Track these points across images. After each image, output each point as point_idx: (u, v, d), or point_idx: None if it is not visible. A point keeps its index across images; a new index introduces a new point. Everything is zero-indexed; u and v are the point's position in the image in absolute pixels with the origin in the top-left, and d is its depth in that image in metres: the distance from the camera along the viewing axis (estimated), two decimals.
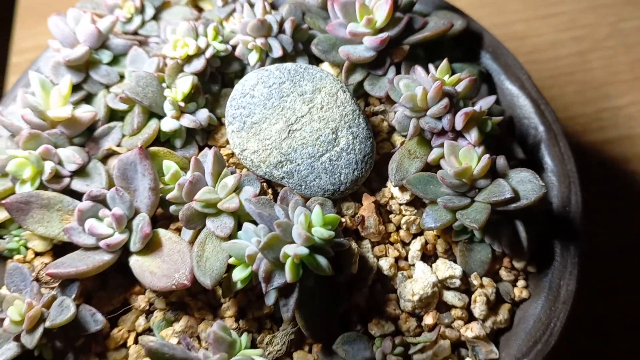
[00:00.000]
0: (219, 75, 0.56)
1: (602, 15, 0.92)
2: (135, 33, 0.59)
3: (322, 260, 0.44)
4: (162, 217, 0.52)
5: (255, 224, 0.46)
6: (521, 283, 0.51)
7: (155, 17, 0.59)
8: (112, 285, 0.50)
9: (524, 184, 0.48)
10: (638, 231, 0.77)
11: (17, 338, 0.46)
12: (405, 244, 0.52)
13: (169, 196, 0.48)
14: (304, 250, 0.42)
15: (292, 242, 0.43)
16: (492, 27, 0.88)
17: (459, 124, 0.50)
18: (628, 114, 0.85)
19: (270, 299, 0.45)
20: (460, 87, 0.51)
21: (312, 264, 0.44)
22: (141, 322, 0.49)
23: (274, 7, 0.60)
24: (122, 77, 0.56)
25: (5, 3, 1.05)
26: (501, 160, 0.50)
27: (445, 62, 0.52)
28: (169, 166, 0.49)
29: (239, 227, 0.48)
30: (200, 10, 0.61)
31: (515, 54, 0.82)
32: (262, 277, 0.43)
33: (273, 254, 0.43)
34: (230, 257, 0.46)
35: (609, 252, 0.74)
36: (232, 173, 0.49)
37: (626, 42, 0.90)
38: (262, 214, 0.45)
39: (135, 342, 0.49)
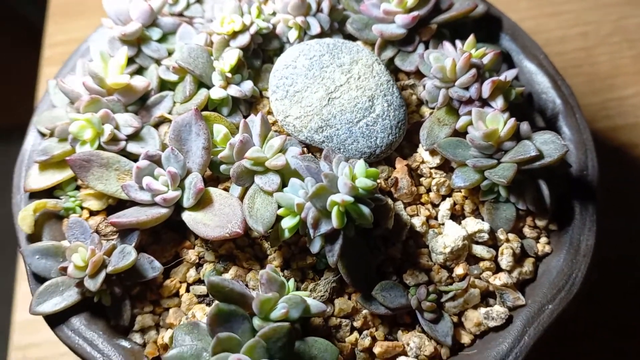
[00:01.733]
0: (260, 52, 0.60)
1: (605, 14, 0.98)
2: (180, 14, 0.63)
3: (365, 209, 0.48)
4: (210, 178, 0.56)
5: (301, 181, 0.50)
6: (544, 239, 0.55)
7: (199, 1, 0.64)
8: (164, 240, 0.54)
9: (547, 144, 0.52)
10: None
11: (79, 284, 0.50)
12: (435, 205, 0.56)
13: (220, 155, 0.52)
14: (350, 198, 0.46)
15: (338, 192, 0.47)
16: None
17: (485, 92, 0.54)
18: (633, 103, 0.89)
19: (315, 247, 0.49)
20: (486, 60, 0.56)
21: (355, 213, 0.47)
22: (192, 274, 0.53)
23: None
24: (170, 53, 0.60)
25: (38, 7, 1.11)
26: (524, 126, 0.54)
27: (471, 37, 0.57)
28: (219, 129, 0.53)
29: (284, 184, 0.52)
30: None
31: None
32: (311, 224, 0.47)
33: (320, 203, 0.47)
34: (279, 208, 0.50)
35: (616, 233, 0.78)
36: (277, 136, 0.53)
37: (629, 38, 0.95)
38: (309, 167, 0.49)
39: (187, 291, 0.52)
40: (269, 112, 0.58)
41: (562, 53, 0.94)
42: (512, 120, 0.52)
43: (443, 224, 0.55)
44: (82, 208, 0.56)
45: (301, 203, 0.48)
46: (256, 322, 0.45)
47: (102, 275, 0.49)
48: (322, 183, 0.47)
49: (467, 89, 0.55)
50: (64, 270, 0.50)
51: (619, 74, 0.92)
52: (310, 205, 0.48)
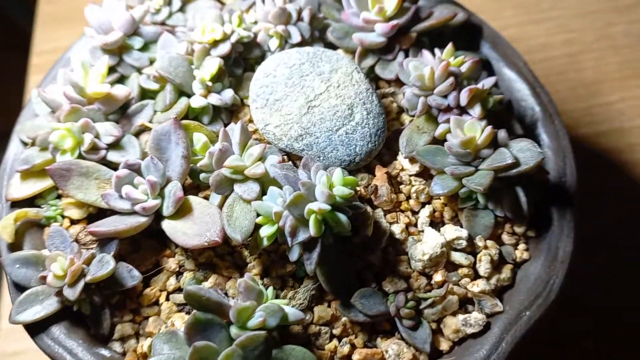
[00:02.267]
0: (241, 61, 0.61)
1: (590, 21, 0.99)
2: (163, 23, 0.64)
3: (342, 217, 0.48)
4: (190, 186, 0.56)
5: (279, 189, 0.50)
6: (522, 246, 0.55)
7: (182, 9, 0.64)
8: (144, 249, 0.54)
9: (523, 152, 0.52)
10: (628, 216, 0.81)
11: (58, 293, 0.50)
12: (414, 212, 0.56)
13: (200, 163, 0.52)
14: (327, 207, 0.47)
15: (315, 200, 0.48)
16: None
17: (463, 100, 0.55)
18: (618, 109, 0.90)
19: (294, 255, 0.49)
20: (464, 68, 0.56)
21: (333, 221, 0.48)
22: (172, 282, 0.53)
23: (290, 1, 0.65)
24: (151, 62, 0.60)
25: (27, 11, 1.11)
26: (502, 133, 0.54)
27: (450, 45, 0.57)
28: (199, 138, 0.53)
29: (263, 193, 0.52)
30: (222, 3, 0.66)
31: None
32: (289, 232, 0.48)
33: (298, 211, 0.48)
34: (257, 217, 0.50)
35: (599, 237, 0.78)
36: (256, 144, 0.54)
37: (614, 45, 0.96)
38: (287, 175, 0.49)
39: (167, 299, 0.52)
40: (250, 120, 0.59)
41: (547, 60, 0.95)
42: (489, 128, 0.53)
43: (422, 231, 0.55)
44: (63, 217, 0.56)
45: (279, 211, 0.48)
46: (233, 330, 0.45)
47: (81, 284, 0.49)
48: (299, 191, 0.48)
49: (445, 97, 0.56)
50: (43, 279, 0.50)
51: (604, 80, 0.93)
52: (288, 214, 0.48)
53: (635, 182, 0.84)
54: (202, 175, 0.53)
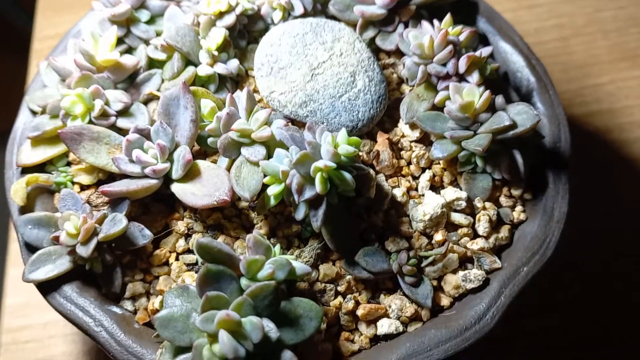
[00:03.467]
0: (246, 33, 0.62)
1: (580, 7, 1.01)
2: None
3: (347, 175, 0.50)
4: (197, 153, 0.57)
5: (285, 150, 0.52)
6: (519, 208, 0.57)
7: None
8: (153, 212, 0.55)
9: (520, 115, 0.54)
10: (620, 192, 0.84)
11: (71, 252, 0.51)
12: (415, 177, 0.58)
13: (208, 128, 0.54)
14: (332, 164, 0.49)
15: (321, 159, 0.49)
16: None
17: (462, 67, 0.57)
18: (608, 91, 0.93)
19: (300, 213, 0.51)
20: (462, 37, 0.58)
21: (338, 179, 0.50)
22: (181, 244, 0.54)
23: None
24: (158, 34, 0.62)
25: (24, 12, 1.13)
26: (499, 99, 0.56)
27: (448, 15, 0.59)
28: (207, 104, 0.55)
29: (269, 156, 0.54)
30: None
31: None
32: (295, 190, 0.49)
33: (304, 169, 0.49)
34: (264, 177, 0.52)
35: (590, 213, 0.80)
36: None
37: (603, 29, 0.99)
38: (294, 136, 0.51)
39: (177, 260, 0.54)
40: (255, 90, 0.60)
41: (539, 43, 0.98)
42: (487, 92, 0.55)
43: (423, 195, 0.57)
44: (73, 183, 0.57)
45: (286, 170, 0.50)
46: (244, 282, 0.47)
47: (94, 242, 0.50)
48: (305, 150, 0.49)
49: (444, 65, 0.58)
50: (56, 240, 0.51)
51: (595, 62, 0.96)
52: (294, 172, 0.50)
53: (624, 159, 0.87)
54: (209, 140, 0.55)
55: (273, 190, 0.50)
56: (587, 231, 0.78)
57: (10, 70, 1.19)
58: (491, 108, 0.56)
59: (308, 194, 0.50)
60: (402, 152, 0.58)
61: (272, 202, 0.51)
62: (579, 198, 0.70)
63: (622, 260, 0.78)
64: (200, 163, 0.55)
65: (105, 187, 0.51)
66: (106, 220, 0.51)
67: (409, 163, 0.58)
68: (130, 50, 0.61)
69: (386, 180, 0.57)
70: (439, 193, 0.57)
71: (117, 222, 0.50)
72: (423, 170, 0.58)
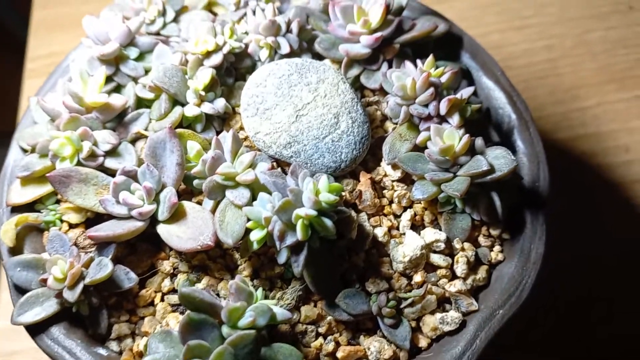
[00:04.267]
0: (233, 70, 0.63)
1: (569, 27, 1.02)
2: (157, 34, 0.66)
3: (328, 222, 0.51)
4: (184, 192, 0.59)
5: (269, 194, 0.53)
6: (497, 248, 0.58)
7: (175, 20, 0.67)
8: (140, 252, 0.57)
9: (498, 159, 0.56)
10: (603, 217, 0.85)
11: (58, 295, 0.53)
12: (396, 216, 0.59)
13: (193, 170, 0.55)
14: (313, 212, 0.50)
15: (302, 206, 0.51)
16: None
17: (443, 110, 0.58)
18: (594, 114, 0.94)
19: (282, 258, 0.52)
20: (444, 79, 0.59)
21: (319, 225, 0.51)
22: (166, 284, 0.56)
23: (280, 12, 0.68)
24: (147, 71, 0.63)
25: (22, 17, 1.14)
26: (479, 141, 0.58)
27: (430, 57, 0.60)
28: (193, 146, 0.56)
29: (253, 198, 0.55)
30: (214, 14, 0.69)
31: None
32: (277, 236, 0.51)
33: (286, 216, 0.51)
34: (248, 221, 0.53)
35: (574, 238, 0.82)
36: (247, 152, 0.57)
37: (591, 51, 1.00)
38: (276, 182, 0.52)
39: (162, 300, 0.55)
40: (241, 128, 0.61)
41: (527, 65, 0.99)
42: (467, 136, 0.56)
43: (404, 234, 0.58)
44: (61, 221, 0.58)
45: (268, 217, 0.51)
46: (225, 330, 0.48)
47: (80, 286, 0.51)
48: (287, 198, 0.51)
49: (426, 106, 0.59)
50: (44, 282, 0.52)
51: (581, 85, 0.97)
52: (276, 219, 0.51)
53: (610, 184, 0.88)
54: (195, 182, 0.56)
55: (255, 236, 0.52)
56: (570, 256, 0.80)
57: (6, 71, 1.20)
58: (471, 150, 0.57)
59: (289, 240, 0.51)
60: (385, 191, 0.60)
61: (255, 246, 0.52)
62: (563, 223, 0.72)
63: (604, 286, 0.80)
64: (186, 204, 0.56)
65: (92, 232, 0.52)
66: (92, 264, 0.53)
67: (390, 202, 0.59)
68: (118, 88, 0.62)
69: (368, 219, 0.58)
70: (420, 232, 0.58)
71: (103, 267, 0.52)
72: (404, 209, 0.59)
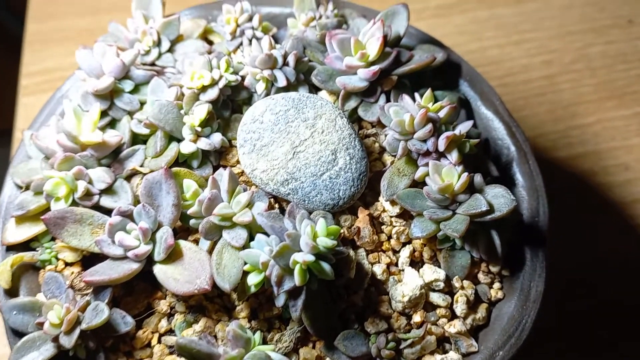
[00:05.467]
0: (229, 103, 0.63)
1: (568, 42, 1.02)
2: (152, 64, 0.65)
3: (325, 266, 0.50)
4: (181, 229, 0.58)
5: (266, 235, 0.53)
6: (497, 285, 0.58)
7: (170, 50, 0.66)
8: (137, 291, 0.56)
9: (497, 198, 0.55)
10: (604, 235, 0.85)
11: (55, 339, 0.52)
12: (395, 252, 0.59)
13: (190, 211, 0.55)
14: (311, 257, 0.49)
15: (300, 250, 0.50)
16: (469, 52, 0.97)
17: (441, 146, 0.57)
18: (594, 131, 0.93)
19: (280, 301, 0.52)
20: (442, 114, 0.59)
21: (317, 269, 0.50)
22: (164, 324, 0.55)
23: (276, 40, 0.67)
24: (142, 104, 0.62)
25: (16, 31, 1.13)
26: (478, 178, 0.57)
27: (429, 91, 0.60)
28: (189, 185, 0.56)
29: (251, 238, 0.54)
30: (210, 43, 0.68)
31: (490, 77, 0.91)
32: (275, 282, 0.50)
33: (283, 261, 0.50)
34: (245, 264, 0.52)
35: (575, 258, 0.82)
36: (244, 190, 0.56)
37: (591, 66, 0.99)
38: (274, 226, 0.52)
39: (159, 342, 0.55)
40: (238, 162, 0.61)
41: (526, 81, 0.98)
42: (465, 175, 0.55)
43: (403, 270, 0.58)
44: (57, 259, 0.58)
45: (266, 261, 0.51)
46: None
47: (77, 331, 0.51)
48: (285, 242, 0.50)
49: (424, 141, 0.58)
50: (40, 325, 0.52)
51: (581, 101, 0.96)
52: (274, 263, 0.50)
53: (609, 204, 0.88)
54: (192, 222, 0.56)
55: (253, 280, 0.51)
56: (570, 277, 0.80)
57: (2, 68, 1.19)
58: (470, 188, 0.56)
59: (287, 285, 0.50)
60: (383, 227, 0.59)
61: (253, 290, 0.52)
62: (562, 244, 0.72)
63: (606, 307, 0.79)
64: (182, 244, 0.55)
65: (88, 277, 0.52)
66: (89, 309, 0.52)
67: (389, 238, 0.59)
68: (113, 122, 0.61)
69: (367, 256, 0.58)
70: (419, 270, 0.58)
71: (99, 313, 0.51)
72: (403, 245, 0.59)
